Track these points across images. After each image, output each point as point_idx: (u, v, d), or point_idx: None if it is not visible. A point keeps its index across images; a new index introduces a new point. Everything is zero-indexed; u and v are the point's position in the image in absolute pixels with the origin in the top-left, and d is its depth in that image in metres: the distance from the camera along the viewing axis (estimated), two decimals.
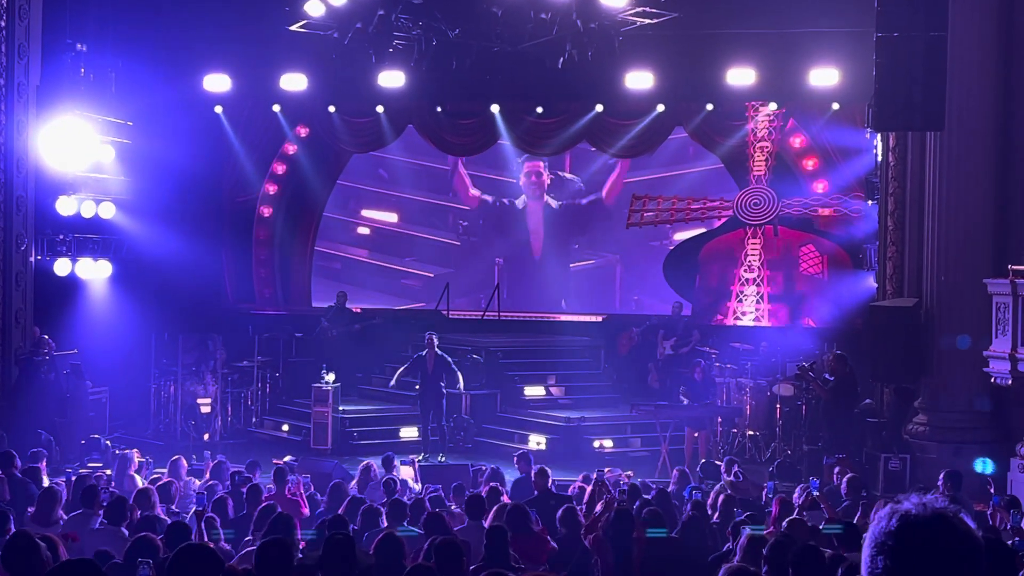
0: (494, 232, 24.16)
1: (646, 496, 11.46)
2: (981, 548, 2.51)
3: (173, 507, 11.56)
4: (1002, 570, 5.63)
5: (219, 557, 5.69)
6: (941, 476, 12.21)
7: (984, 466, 10.27)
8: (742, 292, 22.38)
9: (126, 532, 9.25)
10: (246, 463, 14.03)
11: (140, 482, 12.67)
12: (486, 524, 9.66)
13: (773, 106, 21.77)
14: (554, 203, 23.88)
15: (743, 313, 22.41)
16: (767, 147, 22.13)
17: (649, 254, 23.52)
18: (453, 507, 11.60)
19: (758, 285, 22.30)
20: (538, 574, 2.78)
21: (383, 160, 23.92)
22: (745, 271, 22.35)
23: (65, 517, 10.00)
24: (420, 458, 16.92)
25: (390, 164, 23.94)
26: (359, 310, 22.30)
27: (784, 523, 9.17)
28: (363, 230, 24.23)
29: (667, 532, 9.11)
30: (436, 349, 18.71)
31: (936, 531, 2.49)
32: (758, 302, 22.32)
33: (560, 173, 23.92)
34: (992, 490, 12.72)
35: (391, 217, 24.23)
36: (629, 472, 15.04)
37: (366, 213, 24.27)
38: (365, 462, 13.94)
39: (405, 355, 20.61)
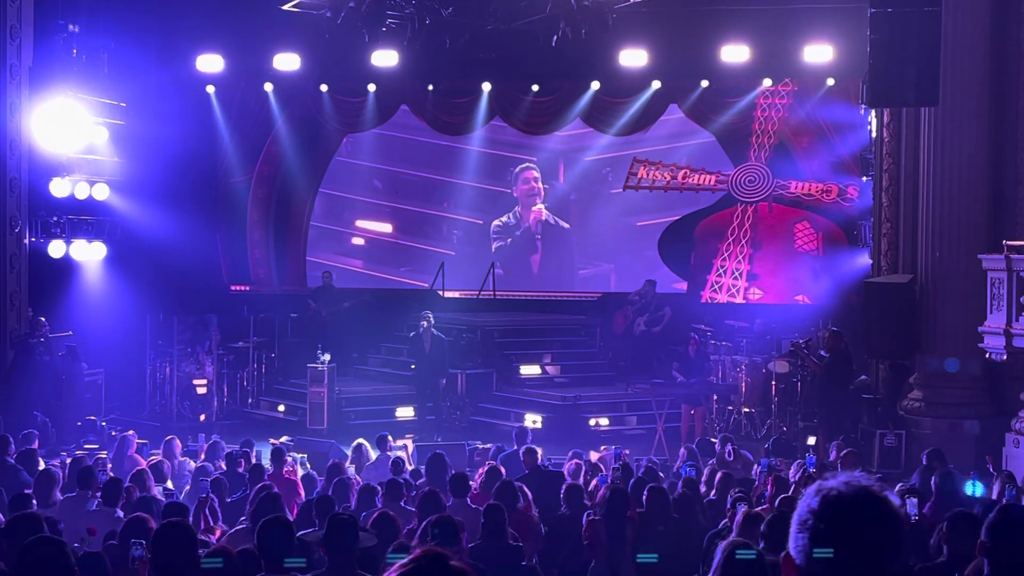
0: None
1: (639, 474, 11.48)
2: (902, 525, 2.51)
3: (167, 486, 11.57)
4: None
5: (193, 534, 5.72)
6: (924, 454, 12.35)
7: (975, 488, 10.34)
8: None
9: (121, 513, 9.25)
10: (240, 442, 14.07)
11: (143, 463, 12.68)
12: (470, 501, 9.73)
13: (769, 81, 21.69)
14: (547, 214, 23.50)
15: None
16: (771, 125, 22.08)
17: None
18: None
19: None
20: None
21: (377, 171, 23.74)
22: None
23: (61, 499, 10.00)
24: (413, 438, 16.95)
25: (384, 175, 23.78)
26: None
27: (778, 500, 9.20)
28: (357, 240, 24.06)
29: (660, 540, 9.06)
30: (432, 329, 18.72)
31: (857, 508, 2.48)
32: None
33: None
34: (991, 466, 12.74)
35: (385, 228, 24.05)
36: (627, 451, 15.07)
37: (360, 224, 24.13)
38: (356, 442, 13.96)
39: (400, 335, 20.63)
